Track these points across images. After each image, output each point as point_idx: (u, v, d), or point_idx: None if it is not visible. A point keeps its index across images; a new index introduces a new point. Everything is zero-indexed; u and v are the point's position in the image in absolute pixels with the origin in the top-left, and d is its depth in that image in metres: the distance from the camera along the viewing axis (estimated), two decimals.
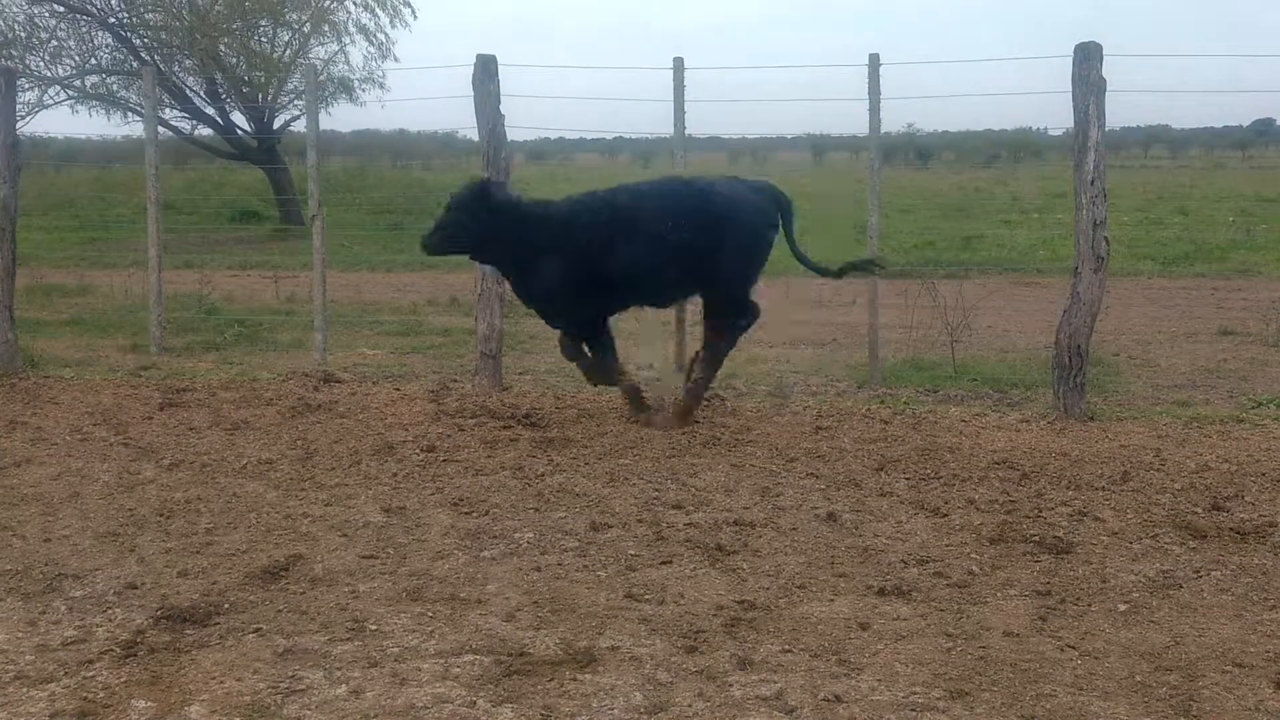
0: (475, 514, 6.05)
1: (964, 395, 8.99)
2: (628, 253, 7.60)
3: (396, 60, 25.01)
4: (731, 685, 4.09)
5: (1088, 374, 8.16)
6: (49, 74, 23.63)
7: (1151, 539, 5.62)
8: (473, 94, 9.19)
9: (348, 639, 4.49)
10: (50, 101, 23.68)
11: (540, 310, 8.14)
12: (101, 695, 4.06)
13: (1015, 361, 10.26)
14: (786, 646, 4.42)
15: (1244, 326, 11.78)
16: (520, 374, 9.74)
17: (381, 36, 24.82)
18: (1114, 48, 8.17)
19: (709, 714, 3.90)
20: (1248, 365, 10.02)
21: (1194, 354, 10.46)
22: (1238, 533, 5.65)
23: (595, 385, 8.31)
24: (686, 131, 10.10)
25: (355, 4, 24.36)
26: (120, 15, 23.65)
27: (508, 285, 8.54)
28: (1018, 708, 3.95)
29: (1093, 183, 8.01)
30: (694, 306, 8.87)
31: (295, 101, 23.98)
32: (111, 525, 5.91)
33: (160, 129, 15.99)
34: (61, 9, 23.27)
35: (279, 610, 4.79)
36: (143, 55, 23.55)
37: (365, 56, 27.54)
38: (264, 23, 23.89)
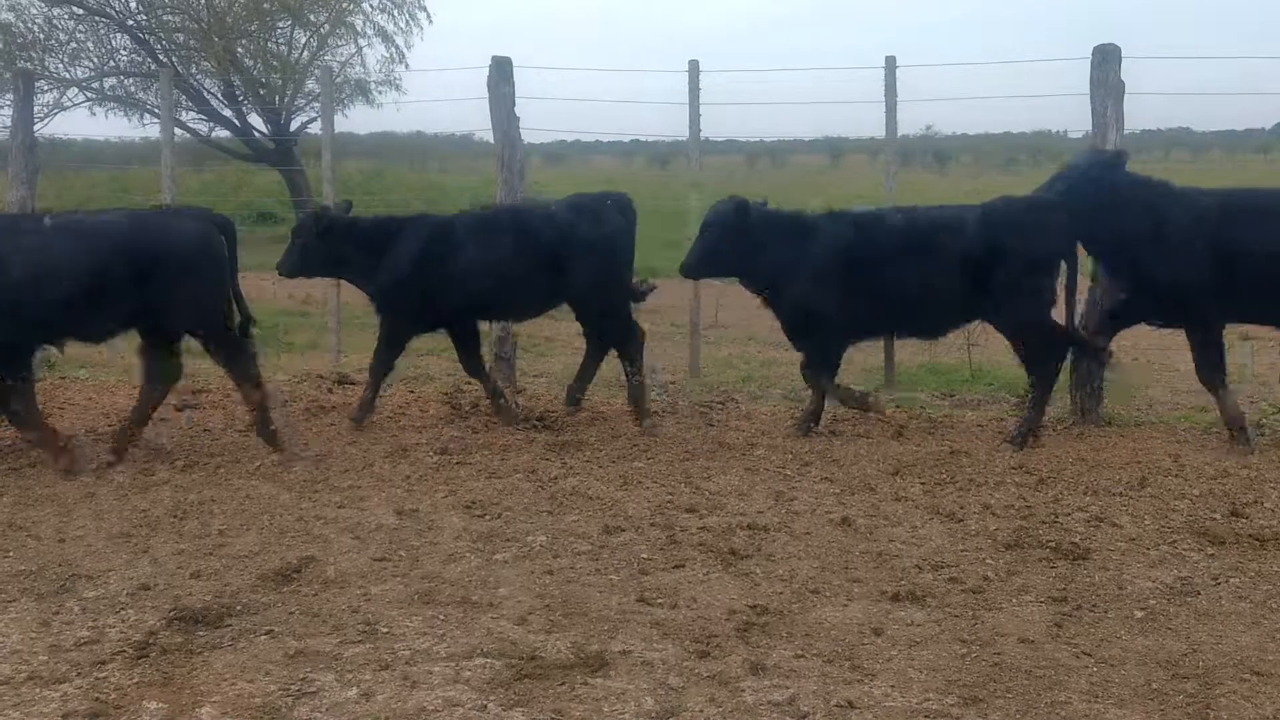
0: (488, 517, 6.04)
1: (980, 399, 8.95)
2: None
3: (408, 68, 25.02)
4: (744, 690, 4.07)
5: (1105, 378, 8.09)
6: (67, 76, 23.75)
7: (1169, 545, 5.57)
8: (488, 96, 9.18)
9: (359, 641, 4.49)
10: (69, 103, 23.80)
11: None
12: (113, 696, 4.07)
13: None
14: (799, 652, 4.39)
15: (1264, 331, 11.66)
16: (535, 377, 9.73)
17: (399, 39, 24.86)
18: (1135, 50, 8.13)
19: (720, 719, 3.88)
20: (1268, 370, 9.93)
21: None
22: (1257, 539, 5.60)
23: None
24: (703, 134, 10.09)
25: (371, 6, 24.41)
26: (139, 18, 23.74)
27: None
28: (1032, 715, 3.91)
29: None
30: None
31: (312, 104, 24.03)
32: (125, 526, 5.92)
33: (177, 131, 16.06)
34: (80, 11, 23.38)
35: (291, 612, 4.79)
36: (160, 57, 23.64)
37: (381, 59, 27.57)
38: (282, 24, 23.96)
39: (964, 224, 7.51)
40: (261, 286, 15.91)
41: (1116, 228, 7.29)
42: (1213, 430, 7.68)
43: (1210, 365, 7.37)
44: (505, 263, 7.86)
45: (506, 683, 4.12)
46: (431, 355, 11.05)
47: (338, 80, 23.04)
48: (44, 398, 8.78)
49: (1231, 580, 5.12)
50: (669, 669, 4.23)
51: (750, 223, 7.69)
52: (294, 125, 24.73)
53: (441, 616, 4.73)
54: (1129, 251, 7.32)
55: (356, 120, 32.87)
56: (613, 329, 8.10)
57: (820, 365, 7.74)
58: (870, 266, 7.53)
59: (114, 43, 24.14)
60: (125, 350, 9.44)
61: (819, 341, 7.75)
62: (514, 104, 9.17)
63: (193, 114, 24.18)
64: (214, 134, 25.23)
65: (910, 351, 10.25)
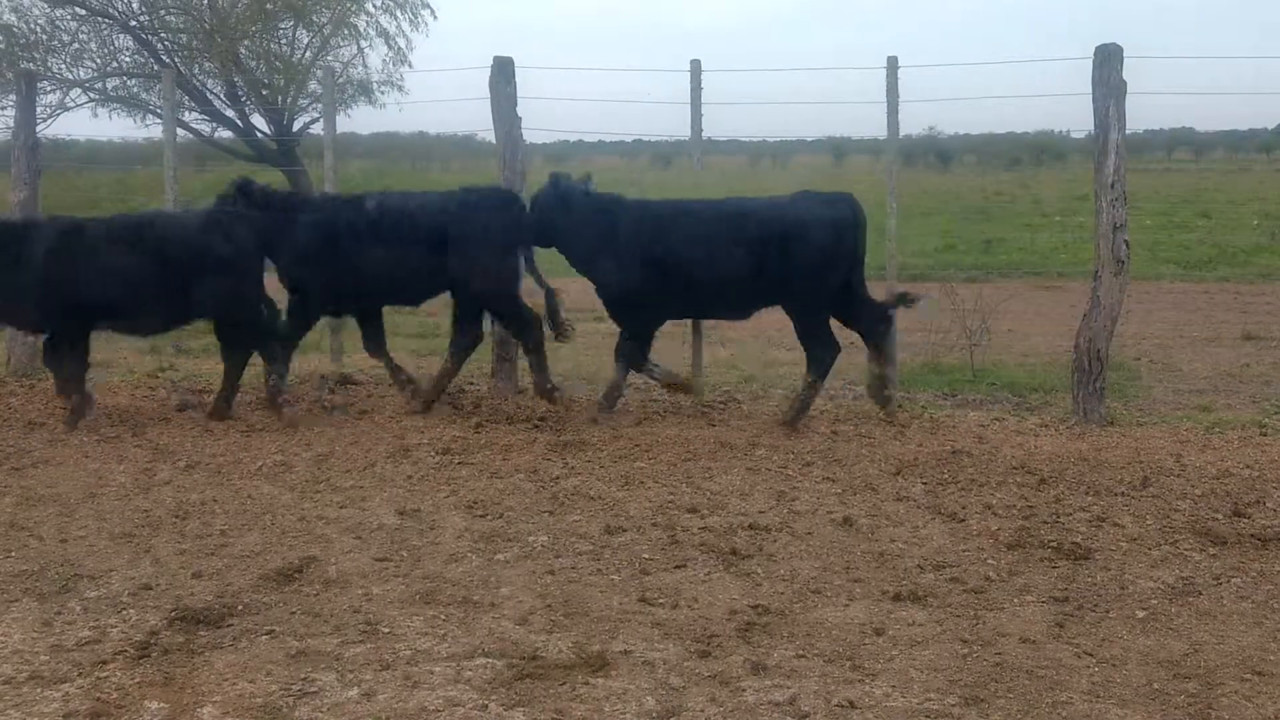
0: (490, 517, 6.04)
1: (982, 400, 8.94)
2: None
3: (411, 67, 24.94)
4: (744, 690, 4.07)
5: (1108, 378, 8.10)
6: (70, 76, 23.71)
7: (1171, 545, 5.56)
8: (490, 96, 9.18)
9: (360, 641, 4.49)
10: (71, 104, 23.77)
11: None
12: (115, 696, 4.07)
13: (1034, 366, 10.18)
14: (800, 652, 4.39)
15: (1267, 331, 11.68)
16: None
17: (401, 41, 24.82)
18: (1137, 49, 8.12)
19: (721, 719, 3.88)
20: (1271, 370, 9.93)
21: (1216, 359, 10.37)
22: (1259, 539, 5.59)
23: None
24: (705, 134, 10.08)
25: (375, 6, 24.37)
26: (141, 18, 23.73)
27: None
28: (1034, 715, 3.91)
29: (1113, 185, 7.95)
30: None
31: (314, 104, 24.00)
32: (127, 526, 5.93)
33: (180, 131, 16.06)
34: (83, 12, 23.37)
35: (292, 612, 4.79)
36: (163, 58, 23.63)
37: (384, 60, 27.52)
38: (284, 25, 23.93)
39: (432, 208, 8.39)
40: (269, 285, 15.89)
41: (574, 235, 8.25)
42: (1215, 430, 7.69)
43: (623, 349, 8.22)
44: (123, 271, 7.95)
45: (508, 683, 4.13)
46: (434, 356, 11.05)
47: (340, 81, 23.04)
48: (47, 397, 8.81)
49: (1233, 580, 5.12)
50: (670, 669, 4.24)
51: (269, 204, 8.50)
52: (296, 126, 24.70)
53: (443, 616, 4.73)
54: (583, 255, 8.28)
55: (359, 120, 32.83)
56: (239, 340, 8.31)
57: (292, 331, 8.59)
58: (350, 245, 8.30)
59: (117, 43, 24.10)
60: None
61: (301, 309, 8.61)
62: (516, 104, 9.17)
63: (195, 114, 24.15)
64: (216, 134, 25.22)
65: (913, 352, 10.24)
